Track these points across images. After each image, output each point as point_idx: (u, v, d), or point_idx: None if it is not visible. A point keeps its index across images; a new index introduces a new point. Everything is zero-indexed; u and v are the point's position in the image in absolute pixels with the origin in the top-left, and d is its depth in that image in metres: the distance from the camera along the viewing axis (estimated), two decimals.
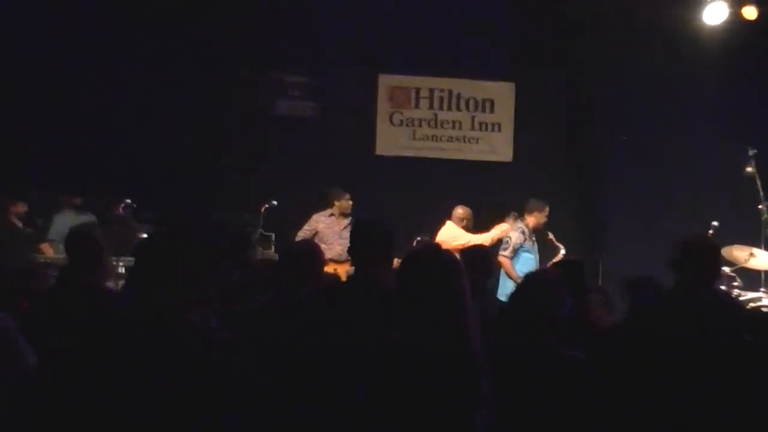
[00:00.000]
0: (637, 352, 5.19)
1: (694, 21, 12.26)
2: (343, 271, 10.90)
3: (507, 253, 11.60)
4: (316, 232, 11.95)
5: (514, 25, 13.12)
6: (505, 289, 11.05)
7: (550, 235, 11.90)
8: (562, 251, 11.83)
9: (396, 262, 5.42)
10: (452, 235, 11.46)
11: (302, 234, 11.95)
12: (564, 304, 4.84)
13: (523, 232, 11.73)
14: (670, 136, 13.46)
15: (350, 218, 12.09)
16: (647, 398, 4.91)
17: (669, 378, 4.95)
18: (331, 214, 12.17)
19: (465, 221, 11.71)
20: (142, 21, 12.54)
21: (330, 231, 12.01)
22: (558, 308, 4.79)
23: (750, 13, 12.07)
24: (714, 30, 12.22)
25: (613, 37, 13.08)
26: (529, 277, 5.38)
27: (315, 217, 12.21)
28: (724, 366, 4.88)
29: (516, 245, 11.64)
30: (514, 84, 13.91)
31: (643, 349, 5.16)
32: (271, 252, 11.92)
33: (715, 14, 11.99)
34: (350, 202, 12.15)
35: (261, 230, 11.90)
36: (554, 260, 11.68)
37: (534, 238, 11.94)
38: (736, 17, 12.11)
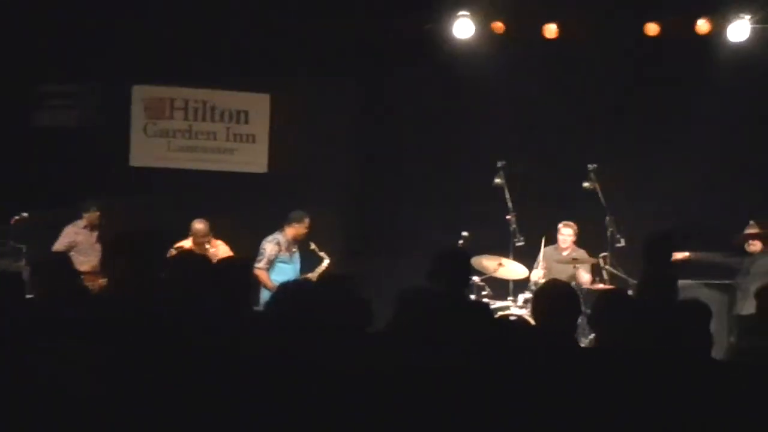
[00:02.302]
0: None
1: (447, 34, 12.49)
2: (101, 283, 10.63)
3: (262, 264, 11.52)
4: (75, 245, 11.65)
5: (271, 36, 13.04)
6: (263, 300, 11.01)
7: (313, 245, 11.88)
8: (326, 261, 11.84)
9: None
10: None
11: (59, 247, 11.63)
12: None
13: (278, 243, 11.69)
14: (425, 147, 13.67)
15: (97, 231, 11.83)
16: None
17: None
18: (85, 226, 11.90)
19: (200, 236, 11.59)
20: None
21: (87, 243, 11.84)
22: None
23: (497, 27, 12.43)
24: (464, 43, 12.48)
25: (373, 50, 13.20)
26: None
27: (69, 229, 11.97)
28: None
29: (271, 256, 11.59)
30: (269, 95, 13.84)
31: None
32: (22, 264, 11.54)
33: (463, 29, 12.26)
34: (98, 214, 11.87)
35: (12, 242, 11.55)
36: (317, 270, 11.72)
37: (294, 249, 11.91)
38: (485, 31, 12.42)
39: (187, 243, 11.47)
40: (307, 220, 11.83)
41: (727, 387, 4.71)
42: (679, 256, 11.10)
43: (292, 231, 11.80)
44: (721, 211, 12.76)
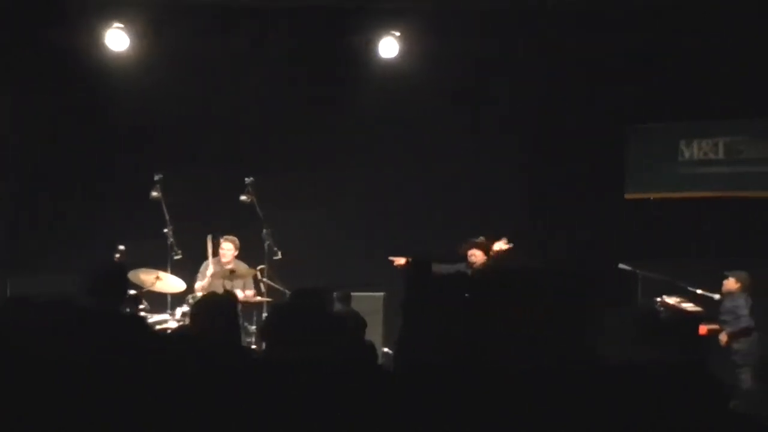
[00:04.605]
0: None
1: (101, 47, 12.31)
2: None
3: None
4: None
5: None
6: None
7: None
8: None
9: None
10: None
11: None
12: None
13: None
14: (81, 159, 13.37)
15: None
16: None
17: None
18: None
19: None
20: None
21: None
22: None
23: (151, 40, 12.40)
24: (119, 55, 12.34)
25: (26, 60, 12.82)
26: None
27: None
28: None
29: None
30: None
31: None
32: None
33: (116, 41, 12.13)
34: None
35: None
36: None
37: None
38: (140, 44, 12.32)
39: None
40: None
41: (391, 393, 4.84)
42: (401, 261, 11.38)
43: None
44: (384, 222, 13.27)
